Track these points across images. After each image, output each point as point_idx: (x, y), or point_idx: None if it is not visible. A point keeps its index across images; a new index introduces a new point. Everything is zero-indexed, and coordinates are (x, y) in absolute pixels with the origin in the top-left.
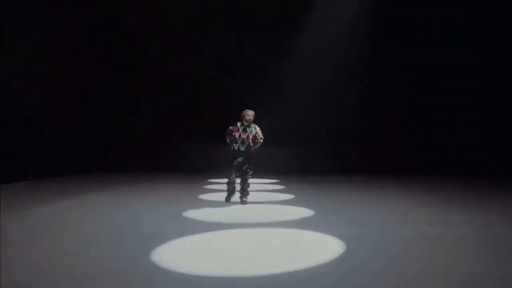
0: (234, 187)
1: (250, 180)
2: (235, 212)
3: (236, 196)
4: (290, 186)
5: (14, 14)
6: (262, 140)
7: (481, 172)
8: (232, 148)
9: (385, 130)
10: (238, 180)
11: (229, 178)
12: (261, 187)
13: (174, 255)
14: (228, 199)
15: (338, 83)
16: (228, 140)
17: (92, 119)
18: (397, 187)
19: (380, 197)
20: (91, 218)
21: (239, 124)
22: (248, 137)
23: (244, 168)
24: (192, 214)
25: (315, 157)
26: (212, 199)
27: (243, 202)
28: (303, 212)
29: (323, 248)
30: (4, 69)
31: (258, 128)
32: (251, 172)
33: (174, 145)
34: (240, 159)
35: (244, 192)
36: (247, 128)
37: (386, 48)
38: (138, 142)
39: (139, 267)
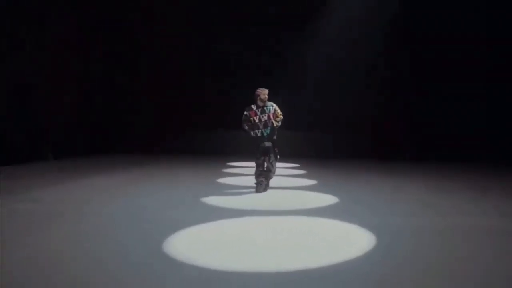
0: (263, 176)
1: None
2: (256, 198)
3: (267, 183)
4: (311, 171)
5: (14, 14)
6: (282, 117)
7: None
8: (254, 135)
9: (403, 118)
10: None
11: (257, 168)
12: (283, 172)
13: (187, 245)
14: (258, 189)
15: (357, 70)
16: (246, 127)
17: (90, 115)
18: (418, 173)
19: (402, 184)
20: (92, 204)
21: (254, 107)
22: (268, 117)
23: (272, 153)
24: (210, 199)
25: (333, 142)
26: (231, 183)
27: (266, 188)
28: (328, 199)
29: (349, 240)
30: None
31: (275, 105)
32: (278, 156)
33: (193, 128)
34: (266, 144)
35: (268, 175)
36: (265, 108)
37: (403, 36)
38: (156, 124)
39: (150, 257)
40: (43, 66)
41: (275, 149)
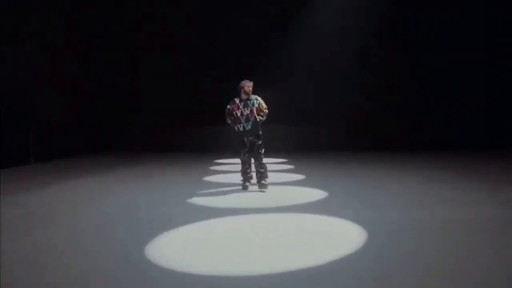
0: (250, 173)
1: None
2: (242, 195)
3: (253, 181)
4: (299, 165)
5: (14, 14)
6: (267, 111)
7: (488, 148)
8: (236, 129)
9: (393, 108)
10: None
11: (242, 165)
12: (269, 167)
13: (172, 247)
14: (245, 186)
15: (347, 62)
16: (229, 121)
17: (90, 115)
18: (408, 165)
19: (391, 176)
20: (86, 204)
21: (237, 100)
22: (251, 111)
23: (256, 148)
24: (196, 198)
25: (320, 136)
26: (218, 181)
27: (262, 186)
28: (316, 194)
29: (342, 236)
30: (8, 64)
31: (259, 99)
32: (263, 150)
33: (178, 126)
34: (249, 139)
35: (262, 175)
36: (248, 102)
37: (396, 40)
38: (141, 123)
39: (131, 262)
40: (40, 67)
41: (259, 143)
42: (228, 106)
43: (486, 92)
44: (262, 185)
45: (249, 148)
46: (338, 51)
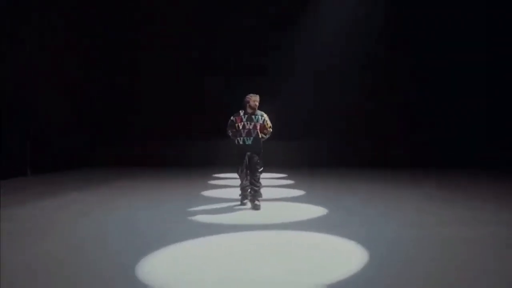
0: (248, 189)
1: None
2: (241, 211)
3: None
4: (299, 181)
5: (14, 14)
6: (271, 129)
7: (489, 166)
8: (236, 142)
9: (393, 123)
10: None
11: (241, 182)
12: (269, 182)
13: (166, 267)
14: (243, 203)
15: (346, 75)
16: (230, 133)
17: (90, 115)
18: (407, 181)
19: (392, 193)
20: (81, 219)
21: (241, 112)
22: (254, 127)
23: (253, 164)
24: (193, 214)
25: (320, 149)
26: (216, 196)
27: (255, 206)
28: (316, 210)
29: (341, 256)
30: (8, 64)
31: (265, 116)
32: (261, 168)
33: (176, 139)
34: (247, 155)
35: (255, 194)
36: (253, 117)
37: (396, 40)
38: (138, 137)
39: (123, 282)
40: (40, 67)
41: (258, 160)
42: (232, 118)
43: (486, 92)
44: (255, 206)
45: (247, 164)
46: (338, 53)
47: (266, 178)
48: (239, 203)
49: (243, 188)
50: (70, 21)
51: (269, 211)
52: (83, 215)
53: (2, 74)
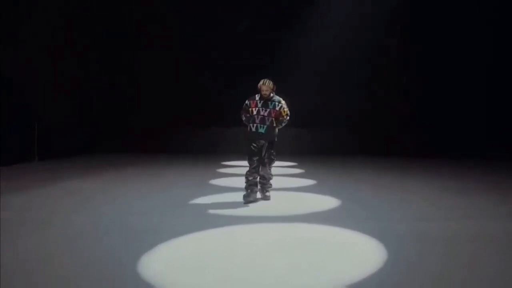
0: (256, 183)
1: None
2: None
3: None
4: (309, 169)
5: (13, 12)
6: (288, 117)
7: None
8: (248, 129)
9: (401, 111)
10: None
11: (249, 171)
12: (279, 171)
13: (167, 263)
14: (247, 199)
15: (354, 62)
16: (244, 118)
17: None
18: (420, 171)
19: (404, 183)
20: (82, 209)
21: (257, 96)
22: (269, 113)
23: (265, 154)
24: (199, 204)
25: (329, 137)
26: (225, 185)
27: (265, 197)
28: (329, 202)
29: (356, 251)
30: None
31: (283, 102)
32: (274, 159)
33: (184, 125)
34: (259, 142)
35: (265, 185)
36: (269, 103)
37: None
38: (142, 123)
39: (122, 279)
40: (38, 64)
41: (272, 151)
42: (246, 102)
43: (486, 94)
44: (265, 196)
45: (258, 152)
46: (344, 49)
47: (276, 166)
48: (245, 188)
49: (249, 178)
50: (70, 21)
51: (279, 202)
52: (83, 204)
53: (2, 73)
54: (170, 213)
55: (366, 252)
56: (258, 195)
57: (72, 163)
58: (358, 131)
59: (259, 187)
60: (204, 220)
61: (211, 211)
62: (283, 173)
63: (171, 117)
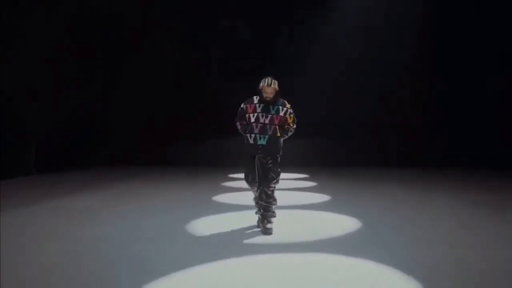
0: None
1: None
2: (256, 224)
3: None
4: (322, 183)
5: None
6: (295, 126)
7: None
8: (245, 140)
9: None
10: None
11: (255, 198)
12: (289, 185)
13: None
14: (266, 229)
15: (363, 71)
16: (239, 127)
17: (93, 112)
18: (443, 184)
19: (428, 198)
20: (77, 230)
21: (256, 99)
22: (272, 120)
23: (266, 173)
24: (200, 226)
25: (340, 148)
26: (229, 202)
27: (265, 231)
28: (347, 223)
29: None
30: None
31: (288, 105)
32: (277, 179)
33: (191, 136)
34: (260, 157)
35: (267, 213)
36: (271, 107)
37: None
38: (148, 133)
39: None
40: (31, 74)
41: (274, 168)
42: (242, 105)
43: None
44: (266, 230)
45: (259, 171)
46: (361, 55)
47: (285, 179)
48: (255, 213)
49: (257, 202)
50: (68, 23)
51: (290, 223)
52: (79, 224)
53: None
54: (163, 239)
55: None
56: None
57: (72, 177)
58: (371, 141)
59: (258, 216)
60: (200, 249)
61: (211, 238)
62: (294, 186)
63: (173, 124)
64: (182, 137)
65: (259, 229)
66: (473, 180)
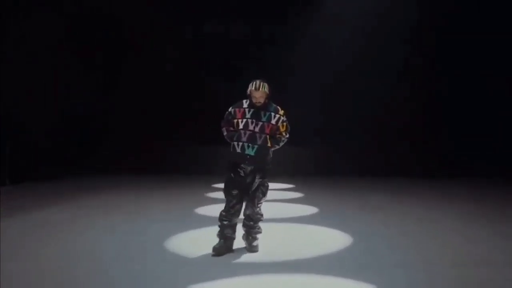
0: (234, 229)
1: None
2: (240, 242)
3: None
4: (309, 193)
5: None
6: (288, 136)
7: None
8: (231, 148)
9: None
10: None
11: (224, 210)
12: (274, 195)
13: None
14: (218, 250)
15: (356, 76)
16: (225, 133)
17: (75, 120)
18: (438, 194)
19: (425, 209)
20: (44, 250)
21: (245, 103)
22: (262, 128)
23: (253, 188)
24: (179, 244)
25: (329, 155)
26: (213, 215)
27: (251, 248)
28: (336, 238)
29: None
30: None
31: (281, 113)
32: (266, 193)
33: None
34: (246, 170)
35: (252, 231)
36: (262, 113)
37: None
38: (126, 141)
39: None
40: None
41: (264, 181)
42: (230, 109)
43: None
44: (251, 247)
45: (245, 184)
46: (353, 61)
47: (270, 189)
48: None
49: (224, 220)
50: (66, 23)
51: (276, 240)
52: (47, 243)
53: None
54: (140, 258)
55: None
56: (243, 243)
57: (49, 188)
58: (362, 149)
59: (243, 233)
60: (179, 269)
61: (190, 256)
62: (279, 197)
63: (155, 133)
64: (182, 137)
65: (244, 245)
66: (470, 189)
